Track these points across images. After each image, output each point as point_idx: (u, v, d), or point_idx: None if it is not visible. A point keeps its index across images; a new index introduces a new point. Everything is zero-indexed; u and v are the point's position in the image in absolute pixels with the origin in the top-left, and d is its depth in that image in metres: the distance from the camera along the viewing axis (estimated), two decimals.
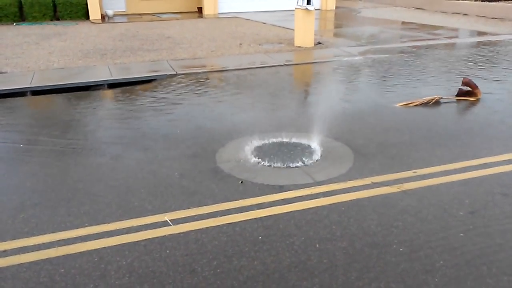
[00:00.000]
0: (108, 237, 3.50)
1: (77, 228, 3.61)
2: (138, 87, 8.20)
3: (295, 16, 11.73)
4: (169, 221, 3.64)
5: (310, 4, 11.33)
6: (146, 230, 3.59)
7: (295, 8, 11.62)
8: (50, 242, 3.44)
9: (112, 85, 8.44)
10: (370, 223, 3.72)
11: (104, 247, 3.36)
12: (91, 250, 3.33)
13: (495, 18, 16.83)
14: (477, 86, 7.17)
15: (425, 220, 3.76)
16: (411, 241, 3.47)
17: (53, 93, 7.93)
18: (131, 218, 3.76)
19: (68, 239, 3.47)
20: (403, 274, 3.09)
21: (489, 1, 18.02)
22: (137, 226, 3.65)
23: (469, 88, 7.16)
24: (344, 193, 4.20)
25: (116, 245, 3.40)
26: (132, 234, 3.54)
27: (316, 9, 20.14)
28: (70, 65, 9.56)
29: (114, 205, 3.98)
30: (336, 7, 21.19)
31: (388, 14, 19.09)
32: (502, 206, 3.97)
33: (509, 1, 17.91)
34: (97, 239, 3.47)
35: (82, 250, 3.33)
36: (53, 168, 4.80)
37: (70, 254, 3.29)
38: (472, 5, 18.09)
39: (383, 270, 3.14)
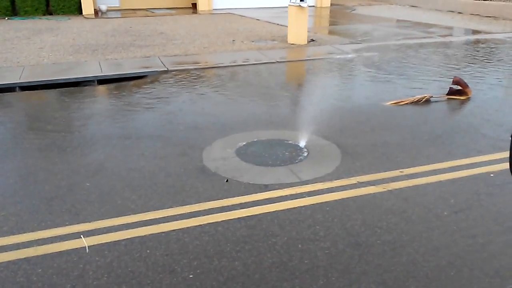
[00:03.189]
0: (88, 236, 3.46)
1: (57, 227, 3.57)
2: (128, 83, 8.14)
3: (288, 13, 11.67)
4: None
5: (303, 1, 11.28)
6: (126, 229, 3.55)
7: (289, 5, 11.56)
8: (29, 241, 3.39)
9: (102, 81, 8.37)
10: (354, 223, 3.69)
11: (84, 247, 3.32)
12: (70, 249, 3.29)
13: (489, 16, 16.83)
14: (467, 85, 7.16)
15: (409, 220, 3.74)
16: (394, 242, 3.45)
17: (42, 89, 7.86)
18: (112, 217, 3.72)
19: (48, 238, 3.43)
20: (384, 275, 3.07)
21: (483, 0, 18.01)
22: (118, 225, 3.61)
23: (459, 87, 7.15)
24: (329, 192, 4.18)
25: (96, 244, 3.36)
26: (112, 233, 3.50)
27: (311, 6, 20.16)
28: (61, 61, 9.48)
29: (96, 203, 3.94)
30: (331, 5, 21.14)
31: (382, 12, 19.06)
32: (487, 206, 3.95)
33: (503, 0, 17.90)
34: (77, 238, 3.43)
35: (61, 250, 3.29)
36: (38, 165, 4.75)
37: (49, 253, 3.25)
38: (466, 3, 18.08)
39: (364, 271, 3.12)
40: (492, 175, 4.45)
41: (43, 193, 4.12)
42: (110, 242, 3.39)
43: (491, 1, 17.69)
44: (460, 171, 4.63)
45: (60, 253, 3.25)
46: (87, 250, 3.26)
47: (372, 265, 3.18)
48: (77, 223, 3.63)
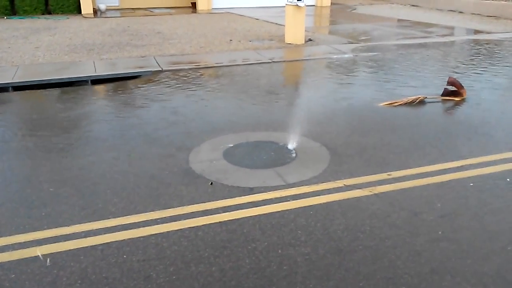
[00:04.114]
0: (65, 240, 3.41)
1: (35, 231, 3.52)
2: (121, 83, 8.09)
3: (285, 13, 11.60)
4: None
5: (300, 0, 11.20)
6: (105, 233, 3.50)
7: (286, 4, 11.49)
8: (5, 245, 3.34)
9: (96, 81, 8.34)
10: (336, 228, 3.63)
11: (60, 251, 3.27)
12: (45, 254, 3.24)
13: (490, 16, 16.69)
14: (462, 86, 7.07)
15: (394, 225, 3.67)
16: (377, 247, 3.38)
17: (35, 89, 7.82)
18: (92, 221, 3.67)
19: (24, 242, 3.38)
20: (363, 283, 3.01)
21: None
22: (96, 229, 3.55)
23: (454, 88, 7.06)
24: (315, 196, 4.11)
25: (72, 249, 3.30)
26: (90, 237, 3.45)
27: (311, 6, 20.08)
28: (56, 60, 9.45)
29: (77, 207, 3.89)
30: (331, 4, 21.04)
31: (383, 11, 18.95)
32: (474, 210, 3.88)
33: (505, 0, 17.77)
34: (53, 242, 3.38)
35: (36, 254, 3.24)
36: (22, 167, 4.71)
37: (24, 258, 3.20)
38: (467, 2, 17.94)
39: (343, 277, 3.05)
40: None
41: (24, 196, 4.08)
42: (86, 247, 3.34)
43: (492, 0, 17.54)
44: (449, 174, 4.55)
45: (35, 258, 3.20)
46: (48, 263, 3.17)
47: (352, 272, 3.11)
48: (56, 227, 3.58)
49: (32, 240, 3.41)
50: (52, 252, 3.27)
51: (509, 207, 3.93)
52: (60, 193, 4.12)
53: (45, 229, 3.56)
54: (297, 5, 11.24)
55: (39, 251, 3.27)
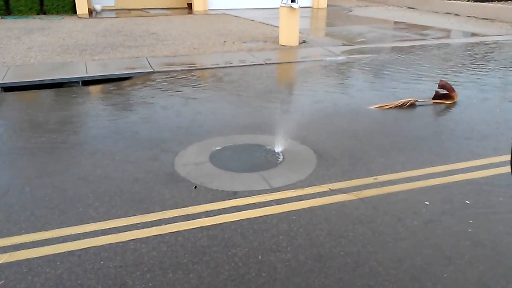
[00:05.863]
0: (43, 246, 3.35)
1: (12, 236, 3.47)
2: (111, 84, 8.04)
3: (279, 14, 11.57)
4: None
5: (294, 2, 11.17)
6: (84, 238, 3.45)
7: (280, 6, 11.45)
8: None
9: (87, 82, 8.28)
10: (319, 233, 3.58)
11: (36, 257, 3.22)
12: (21, 260, 3.19)
13: (486, 18, 16.67)
14: (453, 89, 7.04)
15: (377, 230, 3.63)
16: (358, 253, 3.34)
17: (25, 90, 7.77)
18: (71, 226, 3.61)
19: (0, 247, 3.33)
20: None
21: (481, 1, 17.86)
22: (75, 234, 3.50)
23: (445, 91, 7.03)
24: (299, 200, 4.06)
25: (49, 255, 3.25)
26: (68, 243, 3.40)
27: (307, 7, 20.04)
28: (47, 61, 9.39)
29: (57, 211, 3.83)
30: (328, 6, 21.01)
31: (379, 13, 18.92)
32: (459, 216, 3.84)
33: (500, 2, 17.75)
34: (30, 248, 3.33)
35: (12, 260, 3.18)
36: (3, 170, 4.65)
37: None
38: (463, 5, 17.92)
39: (322, 285, 3.01)
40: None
41: (4, 199, 4.02)
42: (64, 252, 3.29)
43: (488, 3, 17.53)
44: (436, 178, 4.51)
45: (11, 264, 3.15)
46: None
47: (332, 279, 3.07)
48: (34, 232, 3.52)
49: (8, 246, 3.35)
50: (28, 257, 3.22)
51: (495, 214, 3.89)
52: (41, 197, 4.06)
53: (22, 233, 3.51)
54: (291, 7, 11.20)
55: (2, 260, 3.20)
